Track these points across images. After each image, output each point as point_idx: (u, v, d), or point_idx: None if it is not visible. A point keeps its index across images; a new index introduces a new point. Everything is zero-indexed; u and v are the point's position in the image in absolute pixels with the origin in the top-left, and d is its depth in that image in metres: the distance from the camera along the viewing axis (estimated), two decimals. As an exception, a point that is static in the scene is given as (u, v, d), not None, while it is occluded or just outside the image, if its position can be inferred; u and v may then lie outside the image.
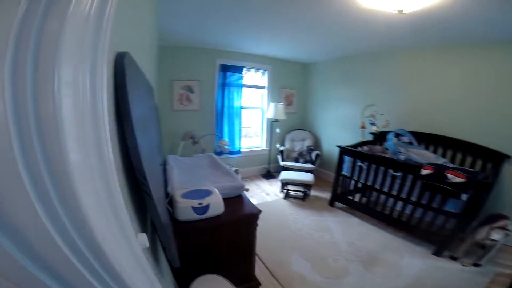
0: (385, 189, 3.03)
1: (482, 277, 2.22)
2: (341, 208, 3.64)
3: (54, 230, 0.36)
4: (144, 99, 1.06)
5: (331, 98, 4.79)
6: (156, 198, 0.89)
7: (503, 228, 2.15)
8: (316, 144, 5.14)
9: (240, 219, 1.74)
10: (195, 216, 1.52)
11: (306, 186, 3.89)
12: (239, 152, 4.68)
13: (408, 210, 2.86)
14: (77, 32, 0.38)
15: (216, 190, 1.67)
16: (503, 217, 2.57)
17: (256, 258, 2.15)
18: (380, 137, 3.68)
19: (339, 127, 4.67)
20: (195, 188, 1.69)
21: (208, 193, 1.62)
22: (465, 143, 3.04)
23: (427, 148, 3.35)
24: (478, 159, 2.97)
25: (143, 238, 0.70)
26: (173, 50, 3.85)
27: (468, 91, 3.03)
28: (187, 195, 1.59)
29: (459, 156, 3.13)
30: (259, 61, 4.61)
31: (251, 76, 4.70)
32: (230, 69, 4.22)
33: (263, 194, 4.17)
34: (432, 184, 2.48)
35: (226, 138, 4.43)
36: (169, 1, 2.21)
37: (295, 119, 5.38)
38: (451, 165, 2.82)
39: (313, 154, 4.60)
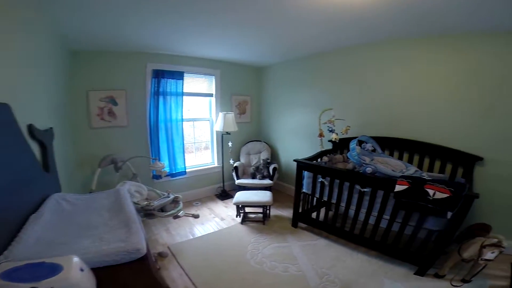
0: (353, 207, 2.55)
1: None
2: (305, 229, 3.12)
3: None
4: None
5: (287, 104, 4.30)
6: None
7: (497, 245, 1.82)
8: (273, 156, 4.60)
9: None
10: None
11: (265, 206, 3.30)
12: (183, 172, 3.93)
13: (381, 228, 2.41)
14: None
15: (77, 262, 0.96)
16: (486, 227, 2.22)
17: None
18: (340, 145, 3.23)
19: (297, 136, 4.17)
20: (37, 260, 0.96)
21: (54, 269, 0.91)
22: (433, 146, 2.70)
23: (392, 155, 2.97)
24: (448, 162, 2.64)
25: None
26: (88, 55, 3.05)
27: (434, 90, 2.70)
28: (13, 274, 0.87)
29: (427, 161, 2.78)
30: (205, 65, 3.98)
31: (195, 82, 4.03)
32: (165, 75, 3.52)
33: (217, 220, 3.48)
34: (410, 202, 2.03)
35: (165, 158, 3.67)
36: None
37: (250, 130, 4.80)
38: (425, 174, 2.42)
39: (271, 168, 4.04)
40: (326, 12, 2.11)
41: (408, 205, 2.07)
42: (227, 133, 3.97)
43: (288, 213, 3.39)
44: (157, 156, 3.51)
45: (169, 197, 2.75)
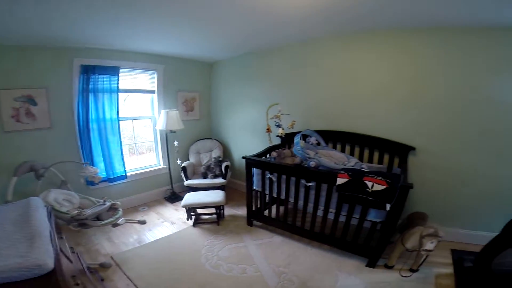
0: (301, 202, 2.56)
1: (425, 283, 2.07)
2: (260, 227, 3.08)
3: None
4: None
5: (238, 99, 4.18)
6: None
7: (434, 235, 1.93)
8: (226, 154, 4.47)
9: None
10: None
11: (219, 206, 3.17)
12: (123, 177, 3.58)
13: (329, 223, 2.44)
14: None
15: None
16: (423, 215, 2.39)
17: None
18: (288, 140, 3.24)
19: (249, 132, 4.10)
20: None
21: None
22: (372, 138, 2.84)
23: (335, 147, 3.05)
24: (385, 153, 2.79)
25: None
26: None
27: (370, 85, 2.83)
28: None
29: (366, 152, 2.91)
30: (146, 60, 3.64)
31: (134, 78, 3.69)
32: (96, 71, 3.12)
33: (167, 224, 3.25)
34: (352, 195, 2.06)
35: (100, 162, 3.29)
36: None
37: (199, 127, 4.59)
38: (365, 166, 2.51)
39: (223, 166, 3.90)
40: (268, 10, 2.06)
41: (350, 198, 2.11)
42: (172, 131, 3.72)
43: (243, 211, 3.31)
44: (88, 160, 3.12)
45: (105, 204, 2.48)
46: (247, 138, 4.14)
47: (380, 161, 2.82)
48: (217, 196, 3.16)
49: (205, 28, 2.60)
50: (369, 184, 1.95)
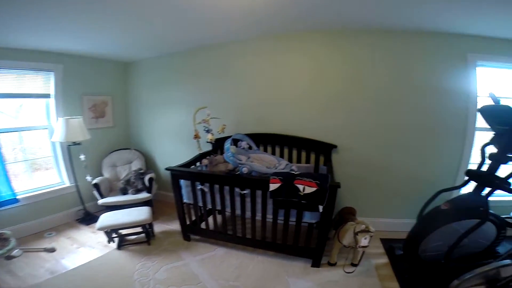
0: (238, 211, 2.42)
1: (368, 276, 2.18)
2: (199, 241, 2.81)
3: None
4: None
5: (162, 103, 3.76)
6: None
7: (366, 231, 2.01)
8: (149, 165, 4.00)
9: None
10: None
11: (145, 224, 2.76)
12: (13, 200, 2.78)
13: (269, 229, 2.37)
14: None
15: None
16: (352, 210, 2.54)
17: None
18: (219, 145, 3.06)
19: (175, 139, 3.74)
20: None
21: None
22: (299, 139, 2.92)
23: (266, 150, 3.04)
24: (312, 152, 2.91)
25: None
26: None
27: (295, 89, 2.91)
28: None
29: (295, 153, 2.98)
30: (37, 59, 2.91)
31: (21, 80, 2.90)
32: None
33: (84, 249, 2.67)
34: (285, 201, 2.02)
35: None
36: None
37: (114, 136, 3.97)
38: (295, 167, 2.53)
39: (146, 179, 3.44)
40: (193, 7, 1.87)
41: (284, 203, 2.08)
42: (75, 143, 3.08)
43: (178, 226, 2.94)
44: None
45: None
46: (173, 146, 3.77)
47: (308, 161, 2.93)
48: (140, 213, 2.75)
49: (116, 22, 2.23)
50: (301, 187, 1.95)
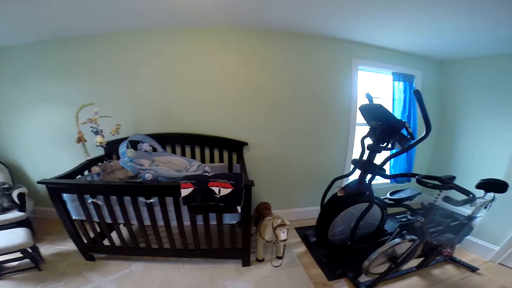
0: (147, 221, 2.09)
1: (294, 266, 2.28)
2: (107, 258, 2.33)
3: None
4: None
5: (28, 101, 2.84)
6: None
7: (283, 225, 2.05)
8: (17, 178, 3.04)
9: None
10: None
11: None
12: None
13: (189, 235, 2.16)
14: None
15: None
16: (267, 205, 2.59)
17: None
18: (114, 149, 2.60)
19: (51, 144, 2.92)
20: None
21: None
22: (211, 138, 2.79)
23: (174, 151, 2.77)
24: (224, 151, 2.85)
25: None
26: None
27: (205, 85, 2.73)
28: None
29: (208, 152, 2.85)
30: None
31: None
32: None
33: None
34: (202, 206, 1.87)
35: None
36: None
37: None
38: (208, 168, 2.38)
39: (14, 195, 2.60)
40: None
41: (201, 208, 1.92)
42: None
43: (73, 245, 2.30)
44: None
45: None
46: (50, 153, 2.95)
47: (221, 159, 2.84)
48: (15, 236, 2.07)
49: None
50: (216, 189, 1.83)
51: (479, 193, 2.06)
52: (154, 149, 2.58)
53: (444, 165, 3.55)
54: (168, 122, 2.75)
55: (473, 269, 2.28)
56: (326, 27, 2.52)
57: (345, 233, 2.37)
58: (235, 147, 2.79)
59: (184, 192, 1.84)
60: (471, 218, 2.14)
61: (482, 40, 2.51)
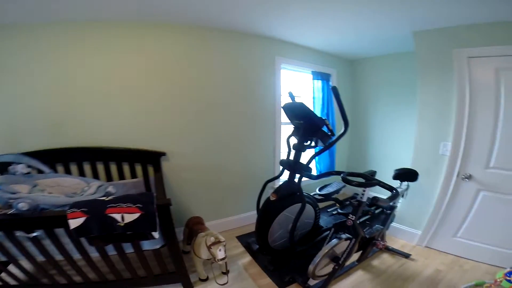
0: (40, 257, 1.58)
1: (243, 279, 2.12)
2: None
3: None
4: None
5: None
6: None
7: (217, 242, 1.84)
8: None
9: None
10: None
11: None
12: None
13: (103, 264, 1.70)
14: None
15: None
16: (198, 219, 2.32)
17: None
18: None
19: None
20: None
21: None
22: (118, 151, 2.32)
23: (68, 171, 2.21)
24: (136, 164, 2.41)
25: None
26: None
27: (115, 90, 2.27)
28: None
29: (114, 168, 2.37)
30: None
31: None
32: None
33: None
34: (102, 237, 1.46)
35: None
36: None
37: None
38: (111, 188, 1.95)
39: None
40: None
41: (102, 240, 1.52)
42: None
43: None
44: None
45: None
46: None
47: (134, 175, 2.40)
48: None
49: None
50: (117, 216, 1.45)
51: (396, 184, 2.21)
52: (40, 171, 2.01)
53: (361, 159, 3.85)
54: (58, 133, 2.14)
55: (406, 256, 2.44)
56: (247, 23, 2.38)
57: (284, 237, 2.29)
58: (150, 158, 2.40)
59: (74, 223, 1.42)
60: (392, 207, 2.30)
61: (376, 41, 2.77)
